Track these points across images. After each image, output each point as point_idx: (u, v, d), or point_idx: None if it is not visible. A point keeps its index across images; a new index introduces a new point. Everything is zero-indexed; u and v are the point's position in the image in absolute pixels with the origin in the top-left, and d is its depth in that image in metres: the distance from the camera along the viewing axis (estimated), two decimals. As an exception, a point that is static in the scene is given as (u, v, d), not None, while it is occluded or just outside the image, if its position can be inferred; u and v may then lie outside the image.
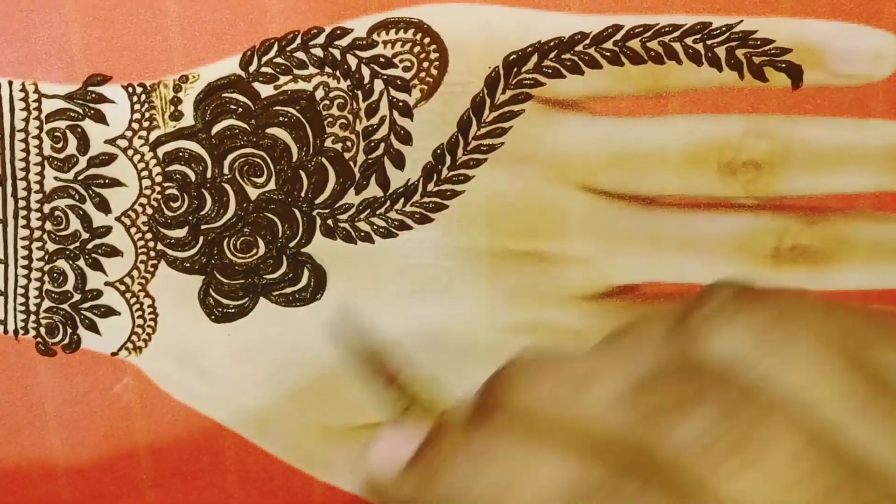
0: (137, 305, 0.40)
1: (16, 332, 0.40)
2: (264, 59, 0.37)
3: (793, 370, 0.27)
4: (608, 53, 0.37)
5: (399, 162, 0.38)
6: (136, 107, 0.37)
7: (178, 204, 0.39)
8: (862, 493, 0.26)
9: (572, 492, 0.25)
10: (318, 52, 0.37)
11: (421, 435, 0.28)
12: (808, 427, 0.25)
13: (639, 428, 0.26)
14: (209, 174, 0.38)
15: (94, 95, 0.37)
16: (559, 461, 0.26)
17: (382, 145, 0.38)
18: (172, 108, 0.37)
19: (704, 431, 0.25)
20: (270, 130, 0.38)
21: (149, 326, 0.40)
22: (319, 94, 0.37)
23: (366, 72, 0.37)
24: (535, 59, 0.37)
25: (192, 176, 0.38)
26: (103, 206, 0.38)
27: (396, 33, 0.37)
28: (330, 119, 0.38)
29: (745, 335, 0.26)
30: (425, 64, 0.37)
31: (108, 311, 0.40)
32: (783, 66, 0.38)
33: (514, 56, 0.37)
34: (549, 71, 0.38)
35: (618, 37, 0.37)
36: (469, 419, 0.28)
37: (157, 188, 0.38)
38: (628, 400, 0.26)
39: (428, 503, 0.27)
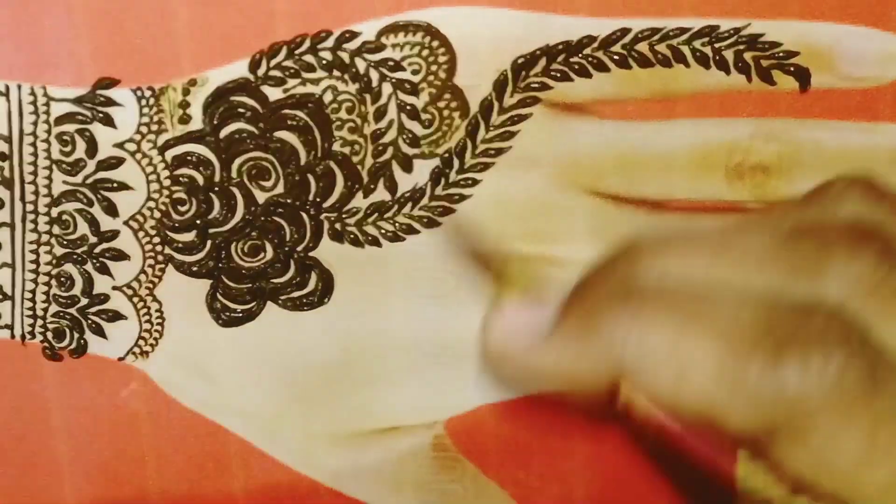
0: (145, 310, 0.40)
1: (23, 336, 0.40)
2: (273, 62, 0.37)
3: None
4: (616, 57, 0.37)
5: (407, 165, 0.38)
6: (145, 110, 0.37)
7: (185, 208, 0.39)
8: None
9: (760, 323, 0.26)
10: (327, 55, 0.37)
11: (544, 309, 0.30)
12: None
13: (805, 271, 0.27)
14: (217, 178, 0.38)
15: (102, 99, 0.37)
16: (733, 294, 0.27)
17: (391, 149, 0.38)
18: (181, 111, 0.37)
19: (867, 274, 0.26)
20: (279, 134, 0.38)
21: (156, 331, 0.40)
22: (328, 97, 0.38)
23: (374, 75, 0.37)
24: (543, 62, 0.37)
25: (201, 179, 0.38)
26: (111, 210, 0.38)
27: (405, 36, 0.37)
28: (338, 122, 0.38)
29: (878, 212, 0.28)
30: (433, 67, 0.37)
31: (116, 316, 0.40)
32: (791, 69, 0.38)
33: (522, 59, 0.37)
34: (558, 74, 0.38)
35: (626, 40, 0.37)
36: (605, 287, 0.29)
37: (165, 192, 0.38)
38: (790, 246, 0.28)
39: (589, 358, 0.28)
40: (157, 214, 0.39)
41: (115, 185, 0.38)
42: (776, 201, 0.31)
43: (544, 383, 0.30)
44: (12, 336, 0.40)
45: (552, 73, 0.38)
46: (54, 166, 0.38)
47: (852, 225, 0.28)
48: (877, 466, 0.26)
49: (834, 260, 0.27)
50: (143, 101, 0.37)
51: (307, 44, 0.37)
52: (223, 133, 0.38)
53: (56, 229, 0.38)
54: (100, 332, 0.40)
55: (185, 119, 0.38)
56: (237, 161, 0.38)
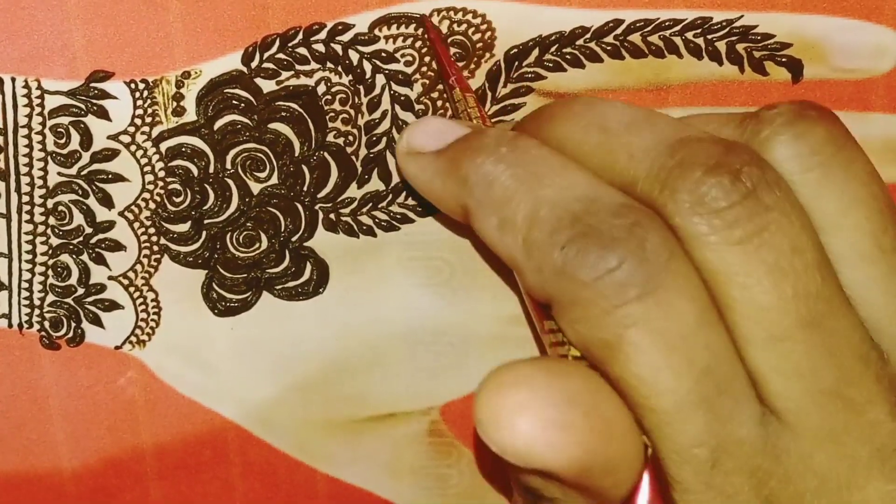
0: (141, 300, 0.40)
1: (20, 326, 0.40)
2: (266, 54, 0.37)
3: (830, 195, 0.31)
4: (609, 47, 0.38)
5: (401, 156, 0.39)
6: (139, 103, 0.37)
7: (180, 199, 0.39)
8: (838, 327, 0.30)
9: (582, 205, 0.30)
10: (320, 47, 0.37)
11: (461, 130, 0.35)
12: (813, 244, 0.30)
13: (660, 178, 0.30)
14: (212, 169, 0.38)
15: (96, 91, 0.37)
16: (581, 178, 0.31)
17: (384, 139, 0.38)
18: (175, 103, 0.37)
19: (717, 198, 0.29)
20: (272, 125, 0.38)
21: (152, 320, 0.40)
22: (321, 89, 0.38)
23: (367, 67, 0.37)
24: (536, 52, 0.37)
25: (195, 171, 0.38)
26: (106, 202, 0.39)
27: (398, 28, 0.37)
28: (332, 114, 0.38)
29: (801, 146, 0.31)
30: (427, 59, 0.37)
31: (112, 306, 0.40)
32: (783, 60, 0.38)
33: (515, 50, 0.37)
34: (551, 64, 0.38)
35: (619, 31, 0.37)
36: (508, 131, 0.34)
37: (160, 183, 0.38)
38: (663, 152, 0.31)
39: (452, 184, 0.33)
40: (152, 205, 0.39)
41: (109, 176, 0.38)
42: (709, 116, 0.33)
43: (422, 194, 0.36)
44: (10, 325, 0.40)
45: (545, 63, 0.38)
46: (49, 158, 0.38)
47: (726, 144, 0.30)
48: (618, 363, 0.29)
49: (687, 176, 0.30)
50: (137, 94, 0.37)
51: (300, 36, 0.37)
52: (217, 125, 0.38)
53: (52, 220, 0.39)
54: (97, 321, 0.40)
55: (179, 111, 0.38)
56: (231, 152, 0.38)
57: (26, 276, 0.39)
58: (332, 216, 0.39)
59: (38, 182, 0.38)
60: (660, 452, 0.29)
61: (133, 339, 0.40)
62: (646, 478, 0.29)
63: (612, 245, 0.29)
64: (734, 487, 0.29)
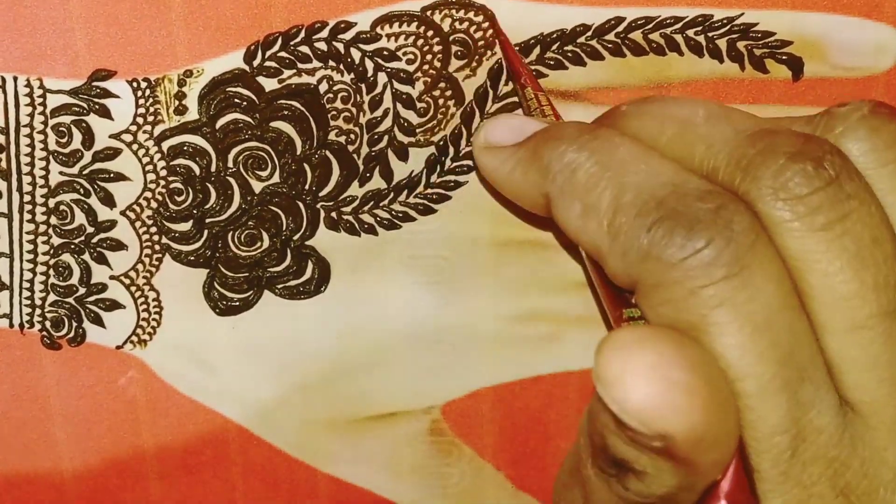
0: (142, 299, 0.40)
1: (21, 325, 0.40)
2: (268, 53, 0.37)
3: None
4: (610, 45, 0.38)
5: (402, 154, 0.39)
6: (141, 101, 0.37)
7: (182, 198, 0.39)
8: None
9: (667, 189, 0.30)
10: (322, 45, 0.37)
11: (539, 124, 0.35)
12: (891, 235, 0.30)
13: (742, 166, 0.30)
14: (213, 168, 0.38)
15: (98, 90, 0.37)
16: (664, 165, 0.31)
17: (386, 137, 0.38)
18: (177, 102, 0.38)
19: (800, 185, 0.29)
20: (274, 124, 0.38)
21: (153, 320, 0.40)
22: (323, 87, 0.38)
23: (369, 65, 0.37)
24: (537, 50, 0.38)
25: (197, 170, 0.38)
26: (108, 201, 0.39)
27: (400, 26, 0.37)
28: (334, 112, 0.38)
29: (875, 139, 0.31)
30: (428, 56, 0.38)
31: (113, 305, 0.40)
32: (784, 58, 0.38)
33: (516, 48, 0.37)
34: (552, 62, 0.38)
35: (620, 28, 0.37)
36: (585, 125, 0.34)
37: (162, 182, 0.38)
38: (743, 142, 0.31)
39: (534, 174, 0.34)
40: (153, 204, 0.39)
41: (111, 175, 0.38)
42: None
43: (502, 190, 0.36)
44: (11, 325, 0.40)
45: (546, 61, 0.38)
46: (51, 157, 0.38)
47: (806, 135, 0.30)
48: (703, 344, 0.29)
49: (769, 164, 0.30)
50: (139, 93, 0.37)
51: (302, 34, 0.37)
52: (219, 123, 0.38)
53: (53, 219, 0.39)
54: (98, 321, 0.40)
55: (181, 110, 0.38)
56: (233, 151, 0.38)
57: (27, 275, 0.39)
58: (333, 215, 0.39)
59: (40, 181, 0.38)
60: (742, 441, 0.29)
61: (134, 338, 0.40)
62: (732, 464, 0.29)
63: (699, 227, 0.29)
64: (811, 478, 0.29)
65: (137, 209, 0.39)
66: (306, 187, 0.39)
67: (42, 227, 0.39)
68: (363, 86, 0.38)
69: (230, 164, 0.38)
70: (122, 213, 0.39)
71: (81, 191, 0.38)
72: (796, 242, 0.29)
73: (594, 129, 0.33)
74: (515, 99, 0.38)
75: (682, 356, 0.27)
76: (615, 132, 0.33)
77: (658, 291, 0.29)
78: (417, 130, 0.38)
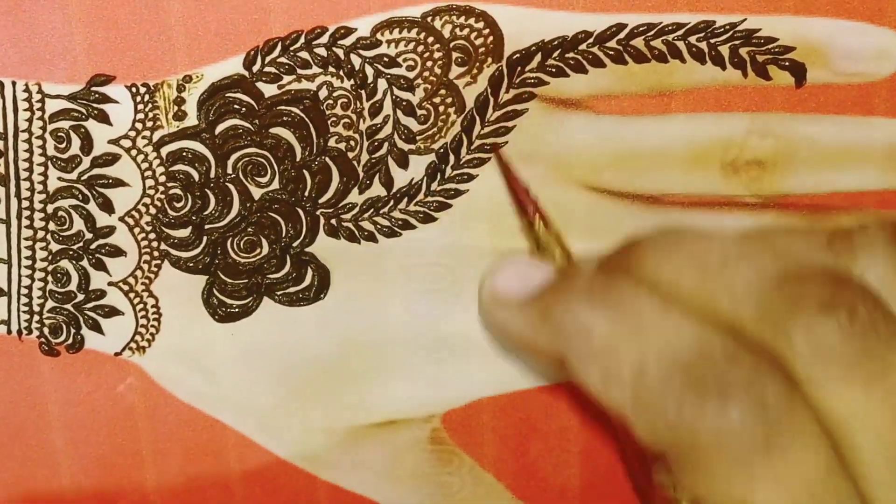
0: (141, 305, 0.40)
1: (19, 332, 0.40)
2: (268, 58, 0.37)
3: None
4: (612, 52, 0.37)
5: (403, 161, 0.38)
6: (140, 107, 0.37)
7: (181, 204, 0.39)
8: None
9: (693, 353, 0.28)
10: (322, 51, 0.37)
11: (548, 272, 0.33)
12: None
13: (771, 319, 0.28)
14: (213, 174, 0.38)
15: (97, 95, 0.37)
16: (687, 324, 0.29)
17: (386, 144, 0.38)
18: (176, 107, 0.37)
19: (836, 339, 0.28)
20: (274, 130, 0.38)
21: (152, 326, 0.40)
22: (323, 93, 0.38)
23: (369, 71, 0.37)
24: (538, 57, 0.37)
25: (196, 176, 0.38)
26: (107, 207, 0.38)
27: (400, 32, 0.37)
28: (333, 118, 0.38)
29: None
30: (429, 63, 0.37)
31: (112, 312, 0.40)
32: (786, 64, 0.38)
33: (517, 55, 0.37)
34: (553, 70, 0.38)
35: (621, 35, 0.37)
36: (598, 272, 0.32)
37: (161, 188, 0.38)
38: (769, 290, 0.29)
39: (547, 334, 0.31)
40: (152, 210, 0.39)
41: (110, 181, 0.38)
42: (797, 227, 0.31)
43: (514, 346, 0.35)
44: (9, 331, 0.40)
45: (548, 68, 0.38)
46: (49, 163, 0.38)
47: (834, 278, 0.28)
48: None
49: (799, 320, 0.28)
50: (138, 98, 0.37)
51: (302, 40, 0.37)
52: (218, 129, 0.38)
53: (52, 225, 0.38)
54: (96, 327, 0.40)
55: (180, 115, 0.37)
56: (233, 157, 0.38)
57: (26, 281, 0.39)
58: (333, 221, 0.39)
59: (39, 187, 0.38)
60: None
61: (133, 345, 0.40)
62: None
63: (732, 397, 0.27)
64: None
65: (136, 215, 0.39)
66: (306, 194, 0.39)
67: (40, 233, 0.39)
68: (363, 92, 0.38)
69: (229, 171, 0.38)
70: (121, 218, 0.39)
71: (80, 196, 0.38)
72: (837, 401, 0.28)
73: (606, 282, 0.31)
74: (517, 107, 0.38)
75: None
76: (629, 284, 0.30)
77: (693, 464, 0.28)
78: (418, 138, 0.38)
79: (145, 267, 0.39)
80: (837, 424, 0.28)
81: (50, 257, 0.39)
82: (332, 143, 0.38)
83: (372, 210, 0.39)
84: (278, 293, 0.40)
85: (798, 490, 0.27)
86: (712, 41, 0.37)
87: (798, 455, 0.27)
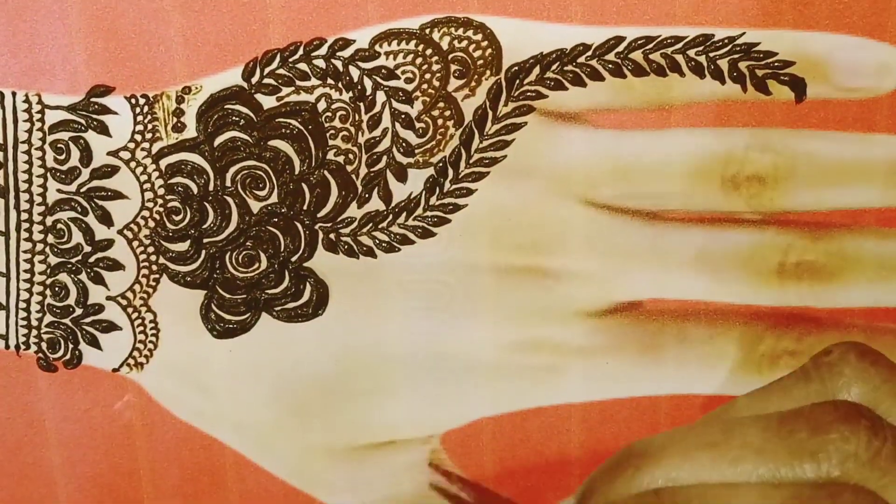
0: (139, 320, 0.40)
1: (17, 347, 0.40)
2: (267, 70, 0.37)
3: None
4: (610, 65, 0.37)
5: (401, 175, 0.38)
6: (139, 118, 0.37)
7: (180, 217, 0.38)
8: None
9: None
10: (321, 63, 0.37)
11: None
12: None
13: (794, 460, 0.31)
14: (211, 187, 0.38)
15: (97, 107, 0.37)
16: (752, 493, 0.31)
17: (384, 158, 0.38)
18: (175, 119, 0.37)
19: (862, 450, 0.30)
20: (273, 142, 0.38)
21: (150, 342, 0.40)
22: (321, 105, 0.38)
23: (368, 83, 0.37)
24: (536, 70, 0.37)
25: (195, 188, 0.38)
26: (105, 219, 0.38)
27: (398, 44, 0.37)
28: (332, 131, 0.38)
29: (872, 381, 0.32)
30: (427, 76, 0.37)
31: (110, 326, 0.40)
32: (786, 78, 0.38)
33: (515, 68, 0.37)
34: (552, 83, 0.38)
35: (620, 48, 0.37)
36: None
37: (160, 201, 0.38)
38: (774, 440, 0.31)
39: None
40: (151, 224, 0.39)
41: (109, 193, 0.38)
42: (764, 386, 0.34)
43: None
44: (7, 346, 0.40)
45: (546, 81, 0.38)
46: (48, 174, 0.38)
47: (841, 403, 0.31)
48: None
49: (830, 443, 0.30)
50: (138, 109, 0.37)
51: (301, 52, 0.37)
52: (217, 141, 0.38)
53: (50, 238, 0.38)
54: (94, 342, 0.40)
55: (179, 127, 0.38)
56: (231, 170, 0.38)
57: (24, 295, 0.39)
58: (331, 236, 0.39)
59: (38, 199, 0.38)
60: None
61: (131, 361, 0.40)
62: None
63: None
64: None
65: (135, 228, 0.39)
66: (304, 208, 0.39)
67: (39, 246, 0.39)
68: (362, 104, 0.38)
69: (228, 183, 0.38)
70: (120, 232, 0.39)
71: (79, 209, 0.38)
72: None
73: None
74: (515, 120, 0.38)
75: None
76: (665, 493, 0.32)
77: None
78: (416, 151, 0.38)
79: (143, 281, 0.39)
80: None
81: (48, 270, 0.39)
82: (330, 155, 0.38)
83: (371, 224, 0.39)
84: (276, 308, 0.40)
85: None
86: (711, 55, 0.37)
87: None
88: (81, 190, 0.38)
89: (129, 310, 0.40)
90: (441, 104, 0.38)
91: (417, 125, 0.38)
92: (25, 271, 0.39)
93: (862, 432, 0.30)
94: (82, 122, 0.37)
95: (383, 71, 0.37)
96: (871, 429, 0.30)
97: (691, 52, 0.37)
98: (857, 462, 0.30)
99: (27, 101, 0.37)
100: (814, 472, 0.30)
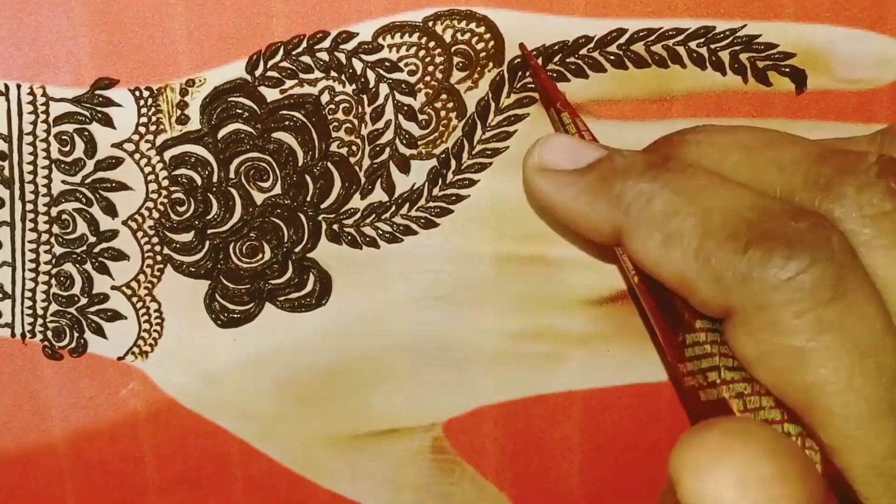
0: (144, 310, 0.40)
1: (23, 335, 0.40)
2: (270, 63, 0.37)
3: None
4: (612, 57, 0.38)
5: (404, 166, 0.39)
6: (143, 111, 0.38)
7: (184, 208, 0.39)
8: None
9: (756, 212, 0.30)
10: (324, 55, 0.37)
11: (600, 150, 0.34)
12: None
13: (820, 185, 0.30)
14: (215, 178, 0.38)
15: (101, 99, 0.37)
16: (746, 189, 0.31)
17: (387, 149, 0.38)
18: (179, 111, 0.38)
19: (875, 202, 0.29)
20: (276, 135, 0.38)
21: (155, 331, 0.40)
22: (325, 98, 0.38)
23: (371, 76, 0.37)
24: (539, 62, 0.37)
25: (199, 180, 0.38)
26: (110, 210, 0.39)
27: (401, 37, 0.37)
28: (335, 123, 0.38)
29: None
30: (430, 68, 0.37)
31: (115, 316, 0.40)
32: (787, 70, 0.38)
33: (518, 59, 0.37)
34: (554, 75, 0.38)
35: (622, 40, 0.37)
36: (651, 155, 0.34)
37: (164, 192, 0.38)
38: (816, 162, 0.31)
39: (603, 203, 0.33)
40: (155, 214, 0.39)
41: (113, 185, 0.38)
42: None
43: (557, 214, 0.35)
44: (13, 335, 0.40)
45: (548, 73, 0.38)
46: (53, 166, 0.38)
47: (880, 158, 0.30)
48: (811, 369, 0.28)
49: (849, 181, 0.30)
50: (142, 102, 0.37)
51: (304, 44, 0.37)
52: (221, 133, 0.38)
53: (55, 229, 0.39)
54: (99, 331, 0.40)
55: (182, 119, 0.38)
56: (235, 161, 0.38)
57: (29, 284, 0.39)
58: (335, 227, 0.39)
59: (43, 190, 0.38)
60: (850, 470, 0.29)
61: (135, 349, 0.40)
62: None
63: (800, 246, 0.28)
64: None
65: (139, 219, 0.39)
66: (308, 199, 0.39)
67: (44, 237, 0.39)
68: (365, 97, 0.38)
69: (232, 175, 0.38)
70: (124, 222, 0.39)
71: (83, 200, 0.38)
72: (887, 261, 0.29)
73: (661, 160, 0.32)
74: (518, 112, 0.38)
75: (764, 468, 0.27)
76: (683, 162, 0.32)
77: (759, 316, 0.29)
78: (419, 143, 0.38)
79: (148, 271, 0.39)
80: (885, 286, 0.29)
81: (54, 260, 0.39)
82: (333, 147, 0.38)
83: (374, 215, 0.39)
84: (280, 299, 0.40)
85: (864, 341, 0.28)
86: (712, 46, 0.37)
87: (863, 306, 0.28)
88: (86, 181, 0.38)
89: (134, 299, 0.40)
90: (444, 96, 0.38)
91: (420, 117, 0.38)
92: (31, 261, 0.39)
93: (884, 186, 0.29)
94: (87, 114, 0.37)
95: (386, 63, 0.37)
96: (892, 190, 0.29)
97: (693, 44, 0.37)
98: (860, 213, 0.29)
99: (32, 93, 0.37)
100: (814, 201, 0.30)
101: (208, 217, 0.39)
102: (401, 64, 0.37)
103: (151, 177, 0.38)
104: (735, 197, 0.30)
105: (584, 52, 0.37)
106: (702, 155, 0.33)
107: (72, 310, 0.40)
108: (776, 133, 0.32)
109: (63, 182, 0.38)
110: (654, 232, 0.31)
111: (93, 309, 0.40)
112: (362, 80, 0.37)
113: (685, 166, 0.32)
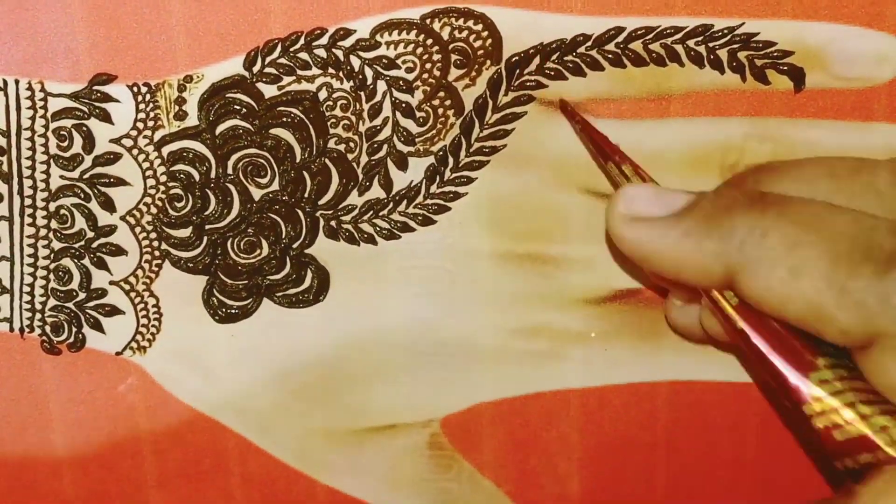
0: (142, 305, 0.40)
1: (21, 330, 0.40)
2: (268, 59, 0.37)
3: None
4: (610, 55, 0.37)
5: (402, 163, 0.39)
6: (141, 106, 0.38)
7: (182, 204, 0.39)
8: None
9: (884, 235, 0.30)
10: (322, 52, 0.37)
11: (688, 196, 0.33)
12: None
13: None
14: (213, 174, 0.38)
15: (99, 95, 0.37)
16: (858, 214, 0.30)
17: (385, 146, 0.38)
18: (177, 107, 0.38)
19: None
20: (274, 131, 0.38)
21: (153, 326, 0.40)
22: (323, 94, 0.38)
23: (369, 73, 0.37)
24: (537, 60, 0.37)
25: (197, 176, 0.38)
26: (108, 205, 0.39)
27: (399, 34, 0.37)
28: (333, 120, 0.38)
29: None
30: (428, 65, 0.37)
31: (113, 311, 0.40)
32: (785, 68, 0.38)
33: (516, 57, 0.37)
34: (552, 73, 0.38)
35: (620, 39, 0.37)
36: (732, 197, 0.33)
37: (162, 188, 0.39)
38: None
39: (711, 244, 0.32)
40: (153, 210, 0.39)
41: (111, 180, 0.38)
42: None
43: (657, 263, 0.33)
44: (11, 329, 0.40)
45: (546, 71, 0.38)
46: (52, 161, 0.38)
47: None
48: None
49: None
50: (140, 97, 0.37)
51: (302, 41, 0.37)
52: (219, 129, 0.38)
53: (54, 224, 0.39)
54: (98, 326, 0.40)
55: (180, 115, 0.38)
56: (233, 157, 0.38)
57: (28, 279, 0.39)
58: (333, 223, 0.39)
59: (41, 185, 0.38)
60: None
61: (134, 344, 0.40)
62: None
63: None
64: None
65: (137, 214, 0.39)
66: (306, 195, 0.39)
67: (42, 231, 0.39)
68: (362, 94, 0.38)
69: (230, 171, 0.38)
70: (122, 218, 0.39)
71: (82, 195, 0.38)
72: None
73: (761, 194, 0.32)
74: (515, 110, 0.38)
75: None
76: (782, 194, 0.32)
77: None
78: (417, 140, 0.38)
79: (146, 266, 0.39)
80: None
81: (52, 255, 0.39)
82: (331, 144, 0.38)
83: (371, 212, 0.39)
84: (278, 294, 0.40)
85: None
86: (710, 45, 0.37)
87: None
88: (84, 176, 0.38)
89: (132, 294, 0.40)
90: (441, 94, 0.38)
91: (418, 114, 0.38)
92: (29, 256, 0.39)
93: None
94: (85, 109, 0.38)
95: (384, 60, 0.37)
96: None
97: (691, 42, 0.37)
98: None
99: (30, 88, 0.37)
100: None
101: (206, 213, 0.39)
102: (398, 61, 0.37)
103: (149, 172, 0.38)
104: (855, 220, 0.30)
105: (581, 50, 0.37)
106: (788, 189, 0.32)
107: (70, 305, 0.40)
108: (852, 159, 0.33)
109: (61, 177, 0.38)
110: (777, 266, 0.30)
111: (91, 304, 0.40)
112: (360, 76, 0.37)
113: (788, 197, 0.31)
